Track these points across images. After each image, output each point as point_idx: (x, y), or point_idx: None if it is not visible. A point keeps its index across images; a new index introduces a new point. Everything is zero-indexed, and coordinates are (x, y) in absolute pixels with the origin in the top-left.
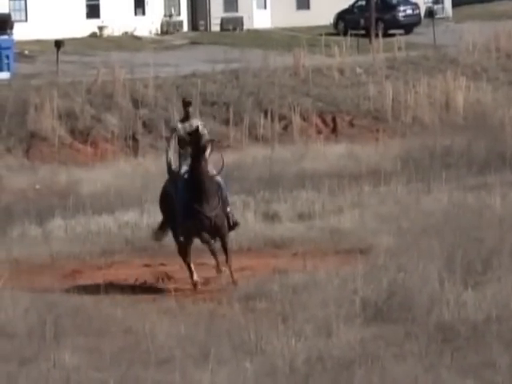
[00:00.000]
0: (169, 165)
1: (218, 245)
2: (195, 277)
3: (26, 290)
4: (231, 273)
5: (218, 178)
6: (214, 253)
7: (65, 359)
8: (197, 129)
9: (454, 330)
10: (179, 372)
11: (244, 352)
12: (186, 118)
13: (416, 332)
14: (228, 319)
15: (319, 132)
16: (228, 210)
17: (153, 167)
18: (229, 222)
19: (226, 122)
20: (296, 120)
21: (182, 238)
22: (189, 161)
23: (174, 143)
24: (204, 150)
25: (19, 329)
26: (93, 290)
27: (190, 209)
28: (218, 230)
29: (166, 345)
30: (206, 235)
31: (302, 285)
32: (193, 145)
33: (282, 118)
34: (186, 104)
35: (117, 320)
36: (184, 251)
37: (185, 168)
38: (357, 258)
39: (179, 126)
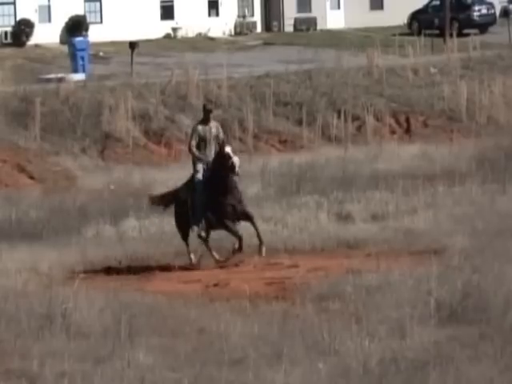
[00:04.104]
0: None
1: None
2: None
3: (100, 291)
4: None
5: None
6: (238, 236)
7: (139, 359)
8: (227, 154)
9: None
10: (252, 372)
11: (317, 352)
12: (205, 121)
13: (491, 333)
14: (301, 319)
15: (393, 132)
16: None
17: None
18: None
19: (299, 123)
20: (369, 120)
21: (202, 233)
22: (204, 164)
23: (194, 143)
24: (232, 169)
25: (94, 328)
26: (167, 290)
27: (211, 203)
28: (243, 211)
29: (239, 345)
30: (228, 222)
31: (375, 285)
32: (221, 166)
33: (355, 118)
34: (208, 111)
35: (190, 320)
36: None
37: (201, 170)
38: (431, 258)
39: (199, 127)
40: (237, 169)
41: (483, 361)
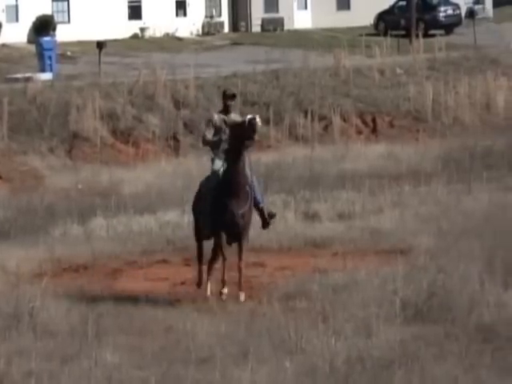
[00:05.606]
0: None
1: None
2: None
3: (68, 290)
4: (240, 277)
5: (250, 176)
6: (223, 257)
7: (106, 358)
8: (244, 121)
9: (494, 330)
10: (219, 371)
11: (284, 351)
12: (224, 111)
13: (456, 333)
14: (268, 318)
15: (359, 132)
16: (261, 206)
17: (194, 167)
18: (264, 218)
19: (267, 122)
20: (336, 120)
21: (205, 232)
22: (222, 158)
23: (210, 134)
24: (248, 145)
25: (61, 327)
26: (134, 289)
27: (218, 204)
28: (240, 229)
29: (206, 344)
30: (223, 236)
31: (341, 284)
32: (237, 137)
33: (322, 118)
34: (228, 97)
35: (158, 319)
36: (199, 252)
37: (218, 165)
38: (397, 258)
39: (216, 116)
40: (258, 124)
41: (448, 359)
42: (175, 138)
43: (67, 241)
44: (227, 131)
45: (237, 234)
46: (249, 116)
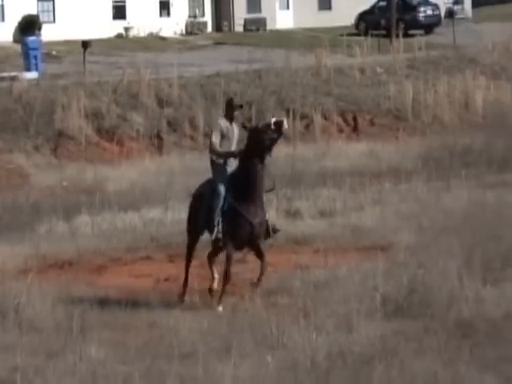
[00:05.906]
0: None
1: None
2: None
3: (53, 286)
4: (260, 276)
5: None
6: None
7: (91, 353)
8: (275, 123)
9: (473, 326)
10: (202, 365)
11: (266, 346)
12: (228, 118)
13: (435, 328)
14: (250, 314)
15: (340, 131)
16: (267, 216)
17: (177, 165)
18: (268, 230)
19: (249, 121)
20: (317, 119)
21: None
22: (228, 166)
23: (218, 139)
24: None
25: (47, 323)
26: (118, 285)
27: (234, 212)
28: (258, 238)
29: (189, 339)
30: (230, 246)
31: (323, 281)
32: (261, 141)
33: (303, 116)
34: (236, 107)
35: (141, 315)
36: (188, 258)
37: (225, 172)
38: (377, 254)
39: (222, 123)
40: (285, 126)
41: (428, 354)
42: (159, 137)
43: (52, 238)
44: (235, 136)
45: (254, 243)
46: (273, 119)
